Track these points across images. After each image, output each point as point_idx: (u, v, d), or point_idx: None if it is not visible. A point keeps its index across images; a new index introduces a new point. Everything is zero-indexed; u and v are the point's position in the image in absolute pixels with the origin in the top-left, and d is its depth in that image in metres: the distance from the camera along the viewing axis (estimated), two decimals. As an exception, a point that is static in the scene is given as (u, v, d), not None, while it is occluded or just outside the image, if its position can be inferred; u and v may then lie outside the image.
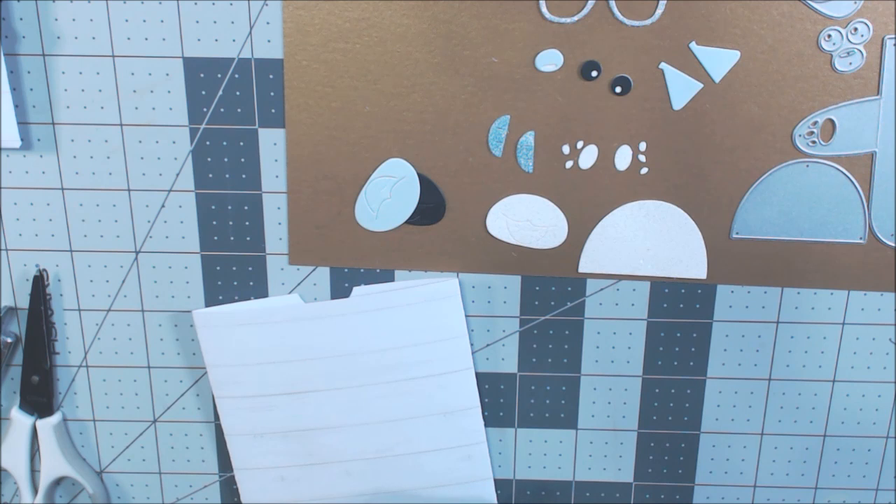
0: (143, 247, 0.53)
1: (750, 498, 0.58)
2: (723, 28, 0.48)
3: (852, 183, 0.51)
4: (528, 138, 0.50)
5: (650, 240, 0.52)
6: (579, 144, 0.50)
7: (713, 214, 0.52)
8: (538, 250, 0.52)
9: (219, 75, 0.50)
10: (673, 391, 0.56)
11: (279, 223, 0.53)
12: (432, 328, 0.53)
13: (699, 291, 0.53)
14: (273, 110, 0.50)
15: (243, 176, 0.52)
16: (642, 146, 0.50)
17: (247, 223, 0.53)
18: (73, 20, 0.49)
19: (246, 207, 0.52)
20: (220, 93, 0.50)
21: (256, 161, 0.51)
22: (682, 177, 0.51)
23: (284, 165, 0.51)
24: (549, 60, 0.49)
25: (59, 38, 0.49)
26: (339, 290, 0.54)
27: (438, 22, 0.48)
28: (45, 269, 0.54)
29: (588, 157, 0.51)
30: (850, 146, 0.50)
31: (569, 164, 0.51)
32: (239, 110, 0.50)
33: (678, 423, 0.56)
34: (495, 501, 0.57)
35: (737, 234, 0.52)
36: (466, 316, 0.54)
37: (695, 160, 0.51)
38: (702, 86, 0.49)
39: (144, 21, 0.49)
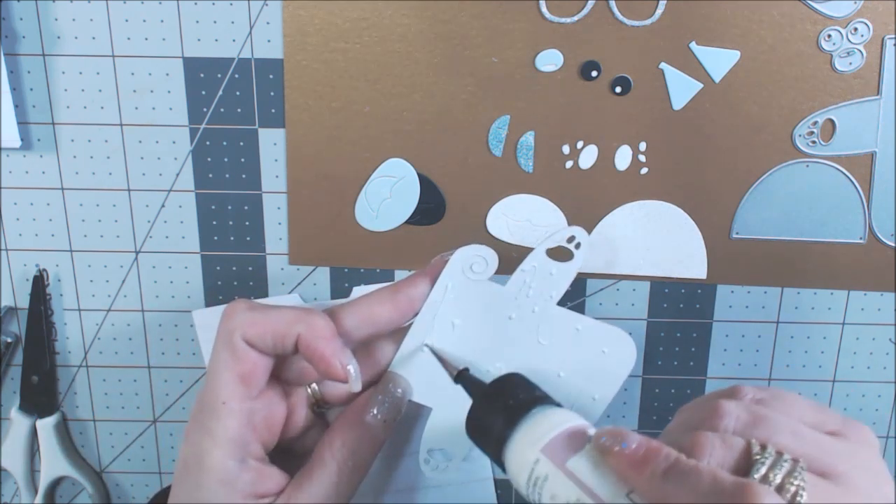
0: (143, 247, 0.53)
1: (750, 498, 0.58)
2: (723, 28, 0.48)
3: (852, 183, 0.51)
4: (528, 138, 0.50)
5: (650, 240, 0.52)
6: (579, 144, 0.50)
7: (713, 214, 0.52)
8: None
9: (219, 75, 0.50)
10: (673, 391, 0.56)
11: (279, 223, 0.53)
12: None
13: (699, 291, 0.53)
14: (273, 110, 0.50)
15: (243, 176, 0.52)
16: (642, 146, 0.50)
17: (247, 223, 0.53)
18: (73, 20, 0.49)
19: (246, 207, 0.52)
20: (220, 93, 0.50)
21: (256, 161, 0.51)
22: (682, 177, 0.51)
23: (284, 165, 0.51)
24: (549, 60, 0.49)
25: (59, 38, 0.49)
26: (339, 290, 0.54)
27: (438, 22, 0.48)
28: (45, 269, 0.54)
29: (588, 157, 0.51)
30: (850, 146, 0.50)
31: (569, 164, 0.51)
32: (239, 110, 0.50)
33: (678, 423, 0.56)
34: (495, 501, 0.57)
35: (737, 234, 0.52)
36: (466, 316, 0.54)
37: (695, 160, 0.51)
38: (702, 86, 0.49)
39: (144, 21, 0.49)
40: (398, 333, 0.40)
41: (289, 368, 0.39)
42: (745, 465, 0.30)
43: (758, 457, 0.30)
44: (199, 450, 0.37)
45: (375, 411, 0.38)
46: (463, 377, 0.38)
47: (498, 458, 0.35)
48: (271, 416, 0.38)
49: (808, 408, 0.34)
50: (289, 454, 0.40)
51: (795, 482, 0.29)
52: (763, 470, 0.30)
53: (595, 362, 0.40)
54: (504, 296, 0.40)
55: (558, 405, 0.35)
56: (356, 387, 0.37)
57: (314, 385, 0.40)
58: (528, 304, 0.40)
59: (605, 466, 0.31)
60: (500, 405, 0.35)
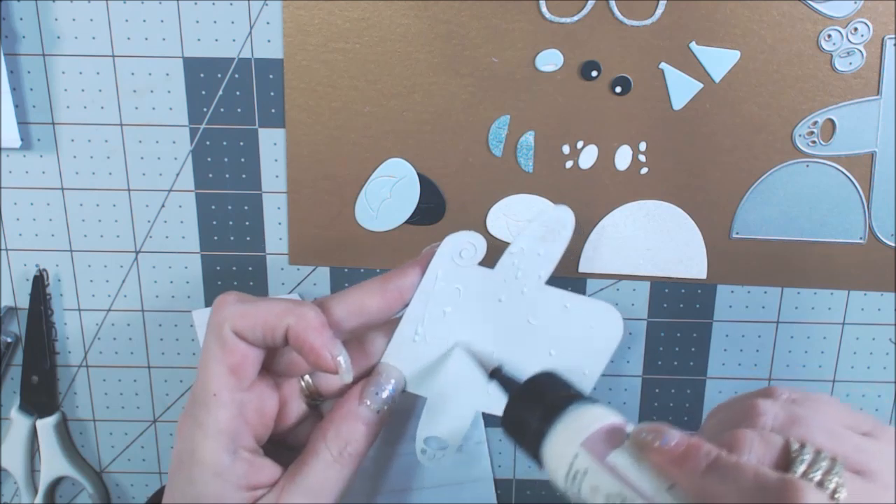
0: (143, 247, 0.53)
1: (750, 498, 0.58)
2: (723, 28, 0.48)
3: (852, 183, 0.51)
4: (528, 138, 0.50)
5: (650, 240, 0.52)
6: (579, 144, 0.50)
7: (713, 214, 0.52)
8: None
9: (219, 75, 0.50)
10: (673, 391, 0.56)
11: (279, 223, 0.53)
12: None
13: (699, 291, 0.53)
14: (273, 110, 0.50)
15: (243, 176, 0.52)
16: (642, 146, 0.50)
17: (247, 223, 0.53)
18: (73, 20, 0.49)
19: (246, 207, 0.52)
20: (220, 93, 0.50)
21: (256, 161, 0.51)
22: (682, 177, 0.51)
23: (284, 165, 0.51)
24: (549, 60, 0.49)
25: (59, 38, 0.49)
26: (339, 290, 0.54)
27: (438, 22, 0.48)
28: (45, 269, 0.54)
29: (588, 157, 0.51)
30: (850, 146, 0.50)
31: (569, 164, 0.51)
32: (239, 110, 0.50)
33: (678, 422, 0.56)
34: (495, 501, 0.57)
35: (737, 234, 0.52)
36: (466, 316, 0.54)
37: (695, 160, 0.51)
38: (702, 86, 0.49)
39: (144, 21, 0.49)
40: (390, 325, 0.40)
41: (279, 360, 0.39)
42: (784, 463, 0.31)
43: (797, 454, 0.31)
44: (190, 442, 0.36)
45: (369, 402, 0.38)
46: (497, 375, 0.38)
47: (535, 454, 0.35)
48: (263, 408, 0.38)
49: (840, 409, 0.34)
50: (284, 447, 0.40)
51: (835, 479, 0.30)
52: (803, 467, 0.30)
53: (584, 338, 0.40)
54: (493, 279, 0.40)
55: (595, 402, 0.35)
56: (347, 377, 0.37)
57: (307, 378, 0.40)
58: (517, 286, 0.40)
59: (645, 461, 0.32)
60: (538, 402, 0.35)
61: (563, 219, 0.39)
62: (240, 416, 0.37)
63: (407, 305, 0.40)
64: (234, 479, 0.36)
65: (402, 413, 0.57)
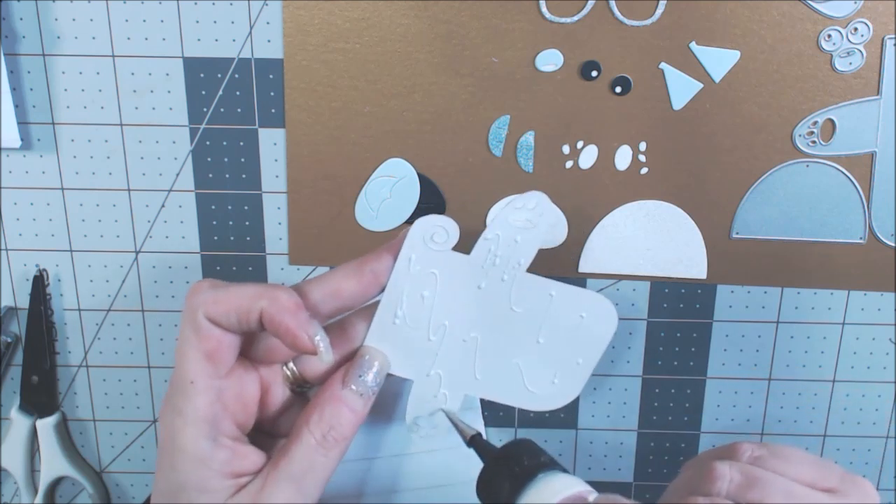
0: (143, 247, 0.53)
1: (750, 498, 0.58)
2: (723, 28, 0.48)
3: (852, 183, 0.51)
4: (528, 138, 0.50)
5: (650, 240, 0.52)
6: (579, 144, 0.50)
7: (713, 214, 0.52)
8: (538, 250, 0.52)
9: (219, 75, 0.50)
10: (673, 391, 0.56)
11: (279, 223, 0.53)
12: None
13: (699, 291, 0.53)
14: (273, 110, 0.50)
15: (243, 176, 0.52)
16: (642, 146, 0.50)
17: (247, 223, 0.53)
18: (73, 20, 0.49)
19: (246, 207, 0.52)
20: (220, 93, 0.50)
21: (256, 161, 0.51)
22: (682, 177, 0.51)
23: (284, 165, 0.51)
24: (549, 60, 0.49)
25: (59, 38, 0.49)
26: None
27: (438, 22, 0.48)
28: (45, 269, 0.54)
29: (588, 157, 0.51)
30: (850, 146, 0.50)
31: (569, 164, 0.51)
32: (239, 110, 0.50)
33: (678, 423, 0.56)
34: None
35: (737, 234, 0.52)
36: (466, 316, 0.54)
37: (695, 160, 0.51)
38: (702, 86, 0.49)
39: (144, 21, 0.49)
40: (370, 310, 0.40)
41: (258, 346, 0.39)
42: None
43: None
44: (171, 431, 0.36)
45: (353, 385, 0.38)
46: (475, 442, 0.39)
47: None
48: (244, 395, 0.38)
49: (806, 464, 0.35)
50: (273, 437, 0.40)
51: None
52: None
53: (574, 327, 0.40)
54: (470, 265, 0.40)
55: (564, 470, 0.36)
56: (327, 357, 0.37)
57: (291, 364, 0.40)
58: (495, 272, 0.40)
59: None
60: (508, 470, 0.36)
61: (540, 205, 0.39)
62: (218, 403, 0.37)
63: (384, 289, 0.40)
64: (217, 466, 0.36)
65: (390, 413, 0.57)
